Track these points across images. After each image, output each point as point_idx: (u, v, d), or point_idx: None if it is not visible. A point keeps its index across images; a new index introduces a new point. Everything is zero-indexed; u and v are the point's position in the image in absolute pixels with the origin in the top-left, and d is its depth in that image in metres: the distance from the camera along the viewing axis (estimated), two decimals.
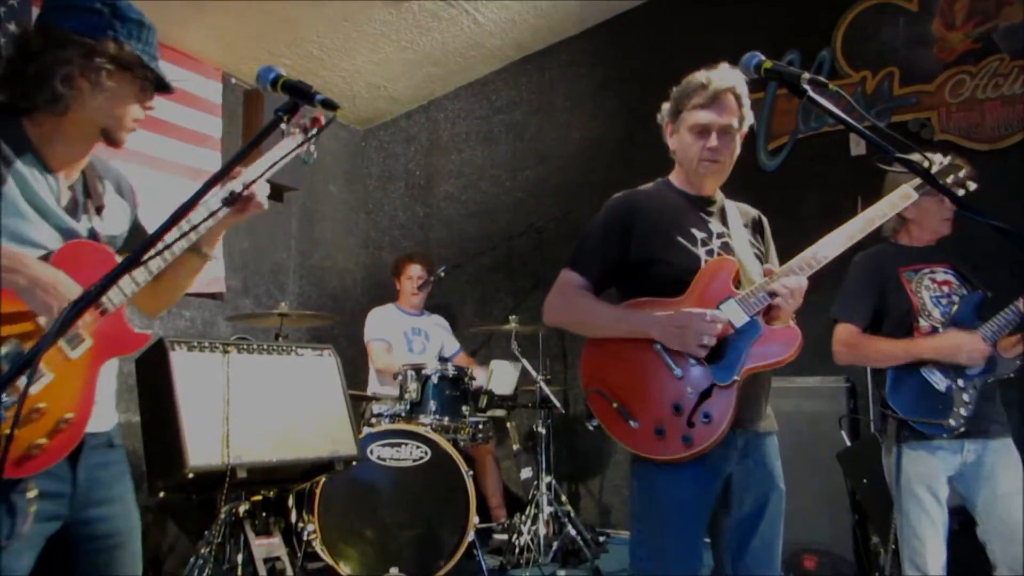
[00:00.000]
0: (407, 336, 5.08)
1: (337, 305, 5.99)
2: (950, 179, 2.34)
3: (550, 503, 4.39)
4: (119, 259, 1.73)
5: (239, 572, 3.55)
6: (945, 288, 2.83)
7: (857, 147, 4.96)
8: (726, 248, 2.17)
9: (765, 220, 2.38)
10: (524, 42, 5.85)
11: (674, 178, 2.31)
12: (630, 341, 2.09)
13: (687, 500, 2.04)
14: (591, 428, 2.10)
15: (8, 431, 1.27)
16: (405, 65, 5.74)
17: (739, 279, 2.13)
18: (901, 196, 2.17)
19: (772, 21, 5.21)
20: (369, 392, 4.78)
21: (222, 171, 1.50)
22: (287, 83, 1.52)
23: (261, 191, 1.88)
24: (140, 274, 1.67)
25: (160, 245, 1.31)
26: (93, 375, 1.65)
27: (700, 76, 2.18)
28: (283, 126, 1.89)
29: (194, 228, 1.58)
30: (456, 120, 6.30)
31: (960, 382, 2.68)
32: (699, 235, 2.17)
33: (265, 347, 3.27)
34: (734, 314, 2.07)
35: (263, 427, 3.09)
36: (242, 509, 3.38)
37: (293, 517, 3.92)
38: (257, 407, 3.10)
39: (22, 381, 1.29)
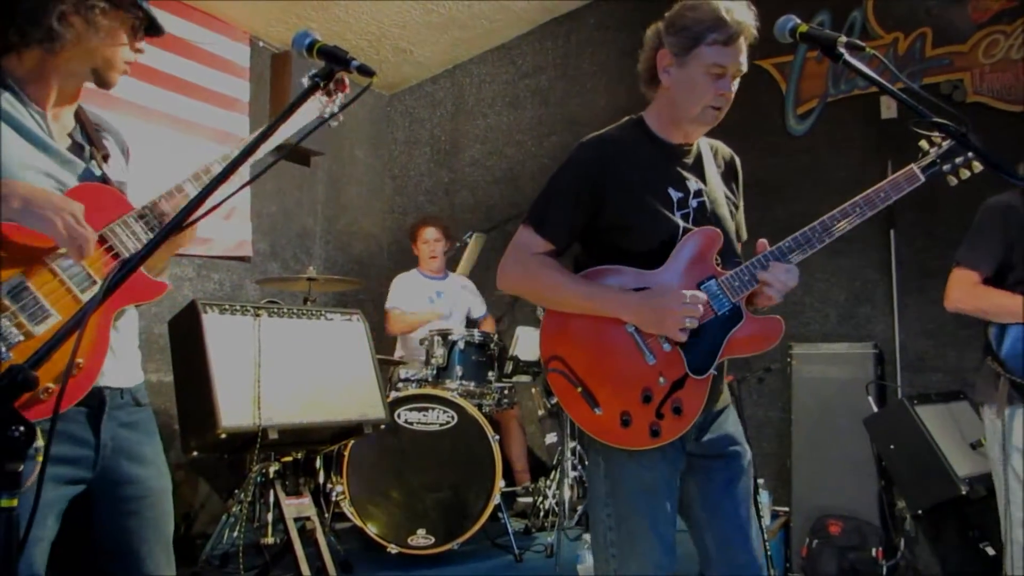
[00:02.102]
0: (431, 300, 5.10)
1: (363, 270, 6.03)
2: (956, 160, 2.04)
3: (574, 467, 4.42)
4: (134, 205, 1.70)
5: (269, 531, 3.64)
6: None
7: (888, 110, 4.88)
8: (703, 210, 1.98)
9: (738, 162, 2.17)
10: (551, 6, 5.78)
11: (651, 120, 2.03)
12: (599, 318, 1.89)
13: (656, 482, 1.90)
14: (548, 405, 2.01)
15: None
16: (431, 29, 5.70)
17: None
18: (906, 177, 1.97)
19: None
20: (396, 356, 4.82)
21: (262, 134, 1.47)
22: (323, 48, 1.50)
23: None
24: (155, 221, 1.66)
25: (204, 207, 1.30)
26: (106, 321, 1.59)
27: (718, 8, 1.89)
28: (306, 83, 1.94)
29: (237, 190, 1.54)
30: (482, 85, 6.27)
31: None
32: (676, 196, 1.96)
33: (295, 311, 3.32)
34: (716, 298, 1.91)
35: (293, 390, 3.13)
36: (272, 469, 3.44)
37: (321, 478, 3.99)
38: (287, 370, 3.15)
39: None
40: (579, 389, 1.88)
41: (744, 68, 1.93)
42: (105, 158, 1.72)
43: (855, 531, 4.19)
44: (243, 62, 5.15)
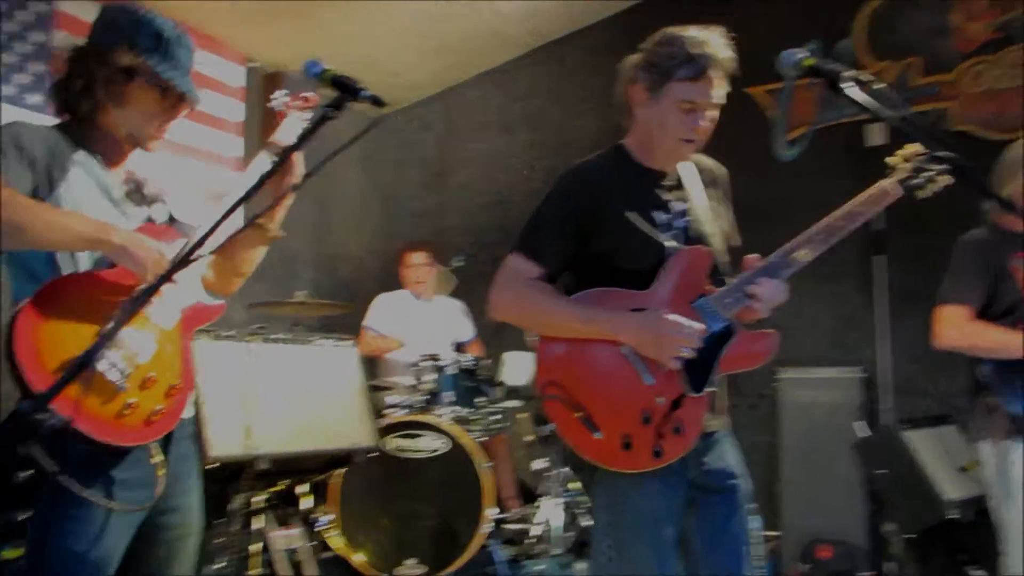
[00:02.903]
0: (409, 323, 5.05)
1: (350, 293, 6.00)
2: (927, 173, 2.02)
3: (564, 494, 4.40)
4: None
5: (254, 563, 3.58)
6: None
7: (874, 138, 4.94)
8: (691, 229, 2.01)
9: (725, 173, 2.18)
10: (543, 30, 5.83)
11: (632, 147, 2.06)
12: (594, 342, 1.90)
13: (658, 511, 1.90)
14: (545, 434, 2.02)
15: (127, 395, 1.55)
16: (423, 53, 5.73)
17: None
18: (880, 193, 1.98)
19: (793, 10, 5.18)
20: (382, 381, 4.80)
21: (277, 164, 1.64)
22: (334, 77, 1.57)
23: (298, 163, 2.00)
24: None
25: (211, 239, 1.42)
26: (187, 345, 1.78)
27: (686, 41, 1.91)
28: (277, 105, 2.12)
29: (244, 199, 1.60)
30: (473, 108, 6.30)
31: None
32: (661, 217, 1.99)
33: (286, 337, 3.30)
34: (710, 315, 1.93)
35: (284, 418, 3.10)
36: (257, 500, 3.40)
37: (302, 505, 3.95)
38: (278, 397, 3.12)
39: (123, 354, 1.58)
40: (578, 414, 1.87)
41: (718, 101, 1.95)
42: (151, 203, 1.90)
43: (845, 555, 4.20)
44: (238, 83, 5.15)
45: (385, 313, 5.06)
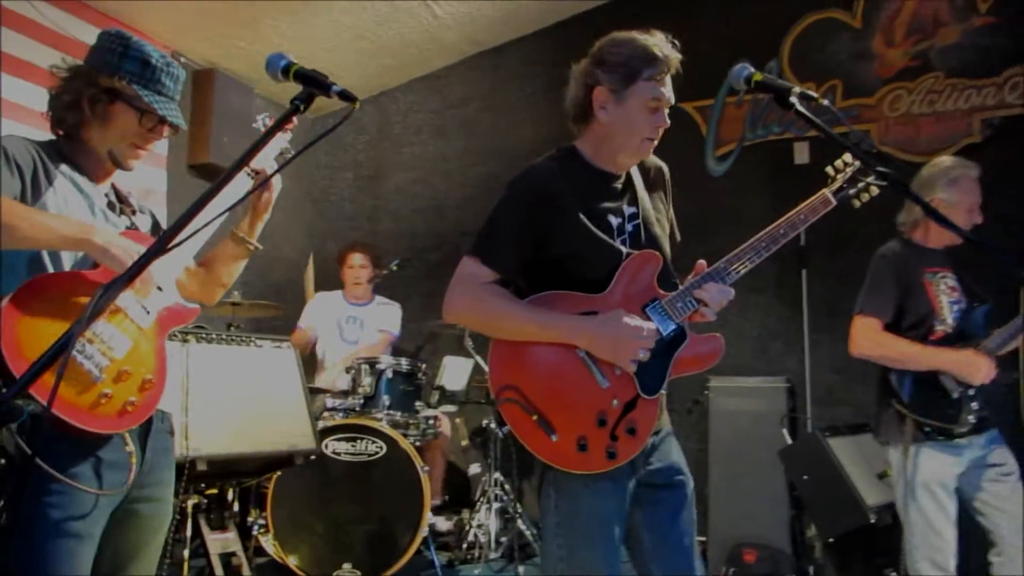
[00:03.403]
0: (340, 324, 5.03)
1: (281, 295, 5.89)
2: (860, 184, 2.14)
3: (499, 498, 4.42)
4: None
5: (185, 568, 3.48)
6: (955, 295, 2.97)
7: (801, 156, 5.14)
8: (639, 234, 2.03)
9: (666, 169, 2.20)
10: (480, 38, 5.86)
11: (586, 149, 2.06)
12: (550, 345, 1.90)
13: (608, 511, 1.92)
14: (501, 435, 2.02)
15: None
16: (359, 55, 5.68)
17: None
18: (821, 201, 2.06)
19: (723, 30, 5.35)
20: (316, 385, 4.73)
21: (242, 158, 1.52)
22: (301, 72, 1.52)
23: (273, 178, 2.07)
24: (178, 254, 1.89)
25: (187, 231, 1.38)
26: (162, 344, 1.87)
27: (649, 43, 1.95)
28: (260, 125, 2.17)
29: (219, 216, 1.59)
30: (408, 112, 6.28)
31: (970, 391, 2.85)
32: (615, 221, 2.01)
33: (225, 337, 3.21)
34: (661, 319, 1.96)
35: (222, 419, 3.03)
36: (191, 503, 3.31)
37: (235, 508, 3.86)
38: (216, 398, 3.04)
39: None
40: (534, 417, 1.87)
41: (672, 99, 2.00)
42: (133, 212, 2.00)
43: (769, 559, 4.32)
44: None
45: (321, 311, 5.00)
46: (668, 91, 1.98)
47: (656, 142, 2.02)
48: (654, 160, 2.16)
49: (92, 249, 1.71)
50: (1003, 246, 1.64)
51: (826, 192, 2.07)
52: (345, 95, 1.49)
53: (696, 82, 5.77)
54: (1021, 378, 3.05)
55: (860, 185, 2.09)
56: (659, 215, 2.12)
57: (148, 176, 4.88)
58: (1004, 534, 2.87)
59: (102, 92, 1.85)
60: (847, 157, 2.09)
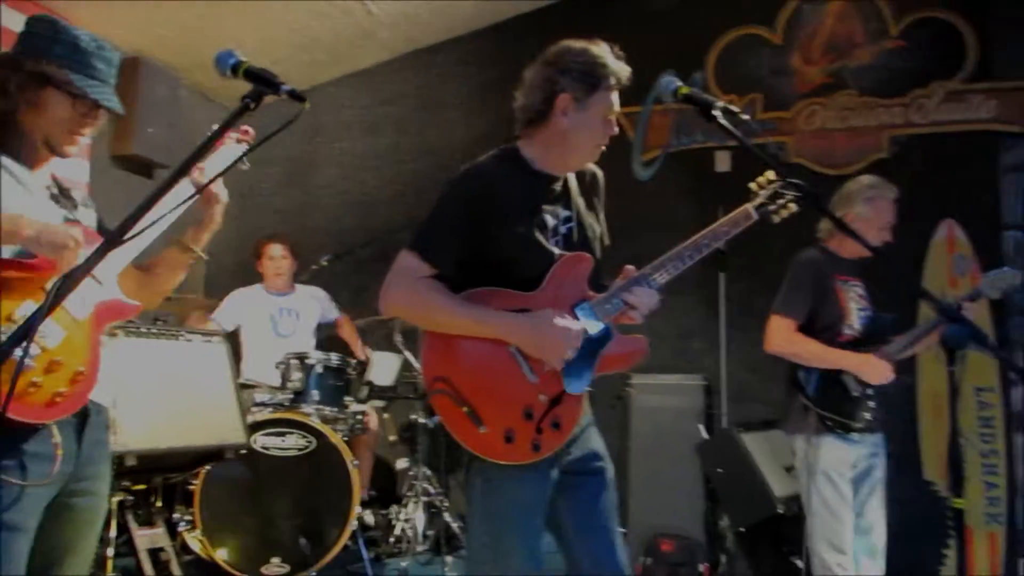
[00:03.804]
0: (273, 319, 4.97)
1: (207, 290, 5.82)
2: (780, 200, 2.23)
3: (426, 492, 4.49)
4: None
5: (109, 565, 3.44)
6: (863, 303, 3.22)
7: (722, 164, 5.36)
8: (572, 235, 2.12)
9: (601, 177, 2.28)
10: (415, 36, 5.90)
11: (529, 152, 2.13)
12: (482, 339, 1.98)
13: (532, 500, 2.01)
14: (430, 426, 2.09)
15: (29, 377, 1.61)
16: (292, 48, 5.64)
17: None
18: (744, 214, 2.16)
19: (653, 39, 5.49)
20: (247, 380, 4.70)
21: (190, 159, 1.53)
22: (250, 69, 1.52)
23: (217, 186, 2.01)
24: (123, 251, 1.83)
25: (137, 228, 1.38)
26: (97, 337, 1.83)
27: (604, 55, 2.06)
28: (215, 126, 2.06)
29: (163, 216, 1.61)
30: (340, 108, 6.26)
31: (868, 391, 3.11)
32: (550, 223, 2.09)
33: (154, 331, 3.20)
34: (589, 320, 2.04)
35: (151, 413, 3.02)
36: (115, 499, 3.27)
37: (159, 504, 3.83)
38: (146, 392, 3.03)
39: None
40: (464, 408, 1.94)
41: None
42: (75, 206, 1.94)
43: (684, 548, 4.50)
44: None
45: (242, 308, 4.94)
46: (618, 101, 2.10)
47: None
48: (590, 166, 2.24)
49: (23, 241, 1.70)
50: (905, 259, 1.81)
51: (749, 207, 2.18)
52: (295, 95, 1.50)
53: (624, 89, 5.92)
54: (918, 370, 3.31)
55: (780, 202, 2.20)
56: (591, 219, 2.22)
57: (71, 167, 4.75)
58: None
59: (31, 78, 1.81)
60: (770, 175, 2.21)
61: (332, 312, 5.21)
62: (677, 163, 5.49)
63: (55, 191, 1.93)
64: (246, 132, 2.02)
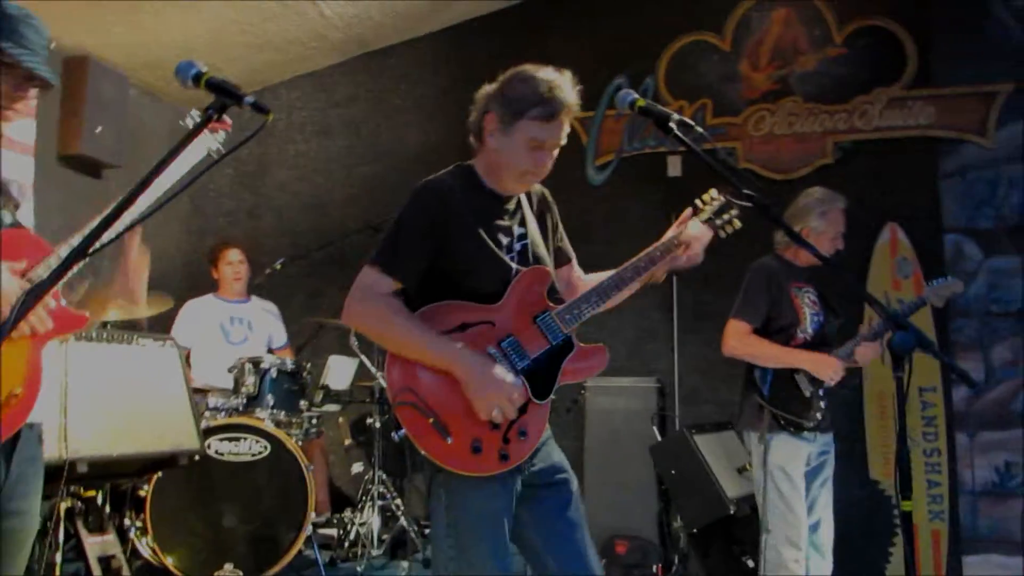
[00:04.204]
0: (224, 327, 4.89)
1: (156, 292, 5.70)
2: (725, 216, 2.34)
3: (381, 497, 4.47)
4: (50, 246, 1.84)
5: (57, 571, 3.37)
6: (815, 308, 3.35)
7: (673, 169, 5.44)
8: (526, 252, 2.15)
9: (548, 194, 2.32)
10: (367, 39, 5.87)
11: (480, 169, 2.17)
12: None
13: (498, 511, 2.00)
14: (396, 439, 1.97)
15: None
16: (244, 48, 5.57)
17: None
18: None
19: (605, 44, 5.58)
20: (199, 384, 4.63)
21: (154, 171, 1.52)
22: (211, 81, 1.50)
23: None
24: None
25: (104, 239, 1.35)
26: (37, 354, 1.75)
27: (542, 83, 2.03)
28: (189, 124, 2.01)
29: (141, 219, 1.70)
30: (292, 109, 6.20)
31: (819, 391, 3.24)
32: (504, 240, 2.11)
33: (105, 335, 3.14)
34: (551, 330, 2.08)
35: (103, 419, 2.97)
36: (64, 506, 3.21)
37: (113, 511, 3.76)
38: (97, 398, 2.97)
39: None
40: (431, 420, 1.94)
41: (562, 141, 2.09)
42: (16, 207, 1.86)
43: (638, 549, 4.57)
44: (44, 73, 4.76)
45: (196, 319, 4.85)
46: (554, 133, 2.06)
47: (538, 177, 2.13)
48: (537, 187, 2.27)
49: None
50: (850, 262, 1.87)
51: (695, 221, 2.29)
52: (258, 107, 1.49)
53: (578, 94, 5.99)
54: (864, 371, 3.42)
55: (725, 217, 2.31)
56: (544, 237, 2.25)
57: (15, 164, 4.64)
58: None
59: None
60: (713, 192, 2.31)
61: (281, 337, 5.11)
62: (630, 167, 5.57)
63: None
64: (224, 123, 1.96)
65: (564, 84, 2.06)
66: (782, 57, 5.38)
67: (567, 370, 2.10)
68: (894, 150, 5.10)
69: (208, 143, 1.98)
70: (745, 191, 2.00)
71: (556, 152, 2.11)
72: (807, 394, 3.24)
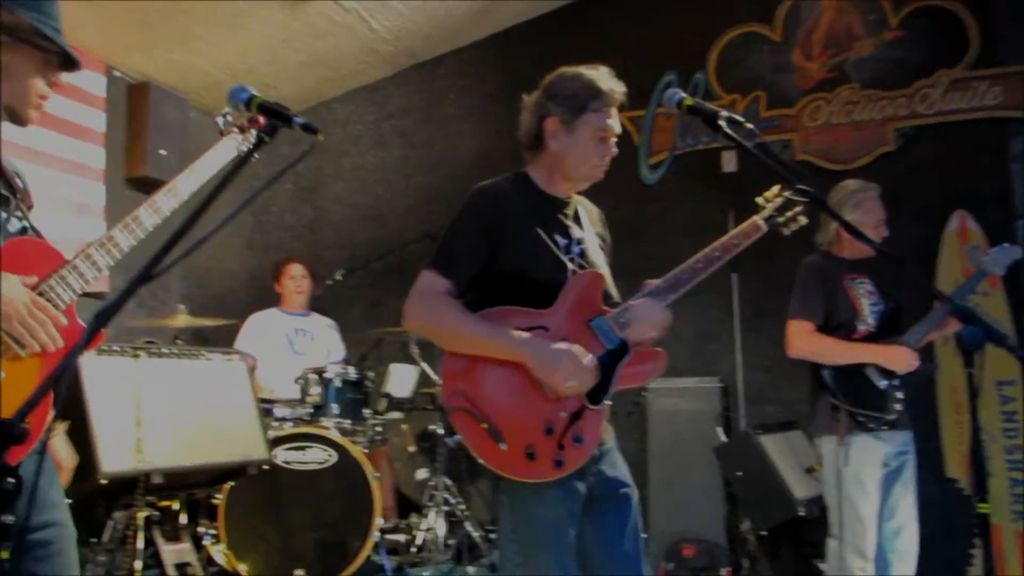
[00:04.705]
0: (289, 338, 5.03)
1: (221, 307, 5.86)
2: (788, 213, 2.28)
3: (446, 502, 4.51)
4: (63, 256, 1.72)
5: None
6: (873, 298, 3.23)
7: (728, 164, 5.36)
8: (584, 256, 2.15)
9: (603, 217, 2.35)
10: (416, 50, 5.95)
11: (535, 175, 2.19)
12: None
13: (560, 517, 1.99)
14: (452, 445, 2.04)
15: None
16: (297, 67, 5.71)
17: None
18: (753, 227, 2.23)
19: (653, 42, 5.55)
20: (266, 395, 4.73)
21: (214, 193, 1.53)
22: (263, 105, 1.53)
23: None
24: (89, 272, 1.70)
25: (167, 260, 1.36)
26: (47, 374, 1.57)
27: (596, 78, 2.11)
28: (221, 124, 2.03)
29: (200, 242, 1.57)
30: (347, 123, 6.31)
31: (894, 383, 3.11)
32: (562, 242, 2.12)
33: (175, 351, 3.25)
34: (606, 334, 2.06)
35: (175, 432, 3.06)
36: (142, 515, 3.31)
37: (189, 520, 3.87)
38: (169, 411, 3.07)
39: None
40: (484, 425, 1.94)
41: (619, 130, 2.15)
42: (30, 208, 1.73)
43: (706, 552, 4.51)
44: (99, 92, 4.96)
45: (261, 332, 4.98)
46: (614, 122, 2.13)
47: (606, 168, 2.16)
48: (593, 206, 2.31)
49: None
50: (916, 251, 1.81)
51: (757, 219, 2.24)
52: (308, 127, 1.52)
53: (627, 93, 5.95)
54: (935, 370, 3.31)
55: (788, 214, 2.27)
56: (600, 245, 2.26)
57: (86, 190, 4.84)
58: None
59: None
60: (776, 189, 2.27)
61: (339, 352, 5.20)
62: (683, 165, 5.51)
63: (3, 190, 1.70)
64: (256, 121, 1.96)
65: (608, 75, 2.14)
66: (836, 44, 5.27)
67: (624, 375, 2.06)
68: (959, 134, 4.93)
69: (239, 145, 1.99)
70: (799, 187, 1.97)
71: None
72: (882, 387, 3.11)
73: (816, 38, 5.32)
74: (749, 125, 1.96)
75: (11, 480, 1.10)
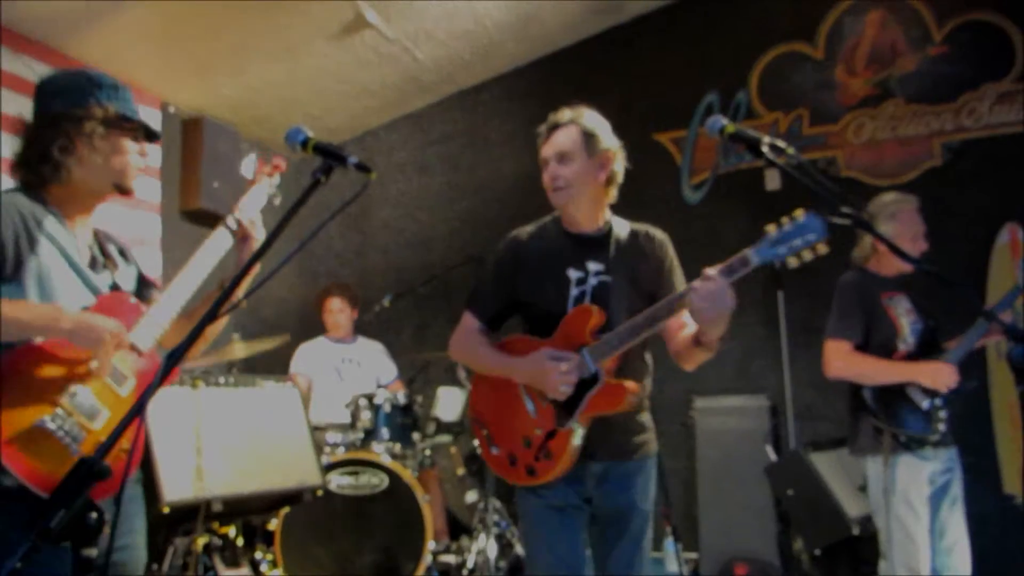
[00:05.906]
0: (337, 368, 5.14)
1: (271, 333, 5.98)
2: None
3: (496, 524, 4.54)
4: (144, 308, 1.93)
5: None
6: (912, 316, 3.21)
7: (771, 183, 5.35)
8: (602, 288, 2.31)
9: (667, 245, 2.44)
10: (458, 78, 6.06)
11: (562, 214, 2.43)
12: (501, 378, 2.35)
13: (548, 508, 2.28)
14: (479, 452, 2.29)
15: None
16: (343, 97, 5.85)
17: (601, 325, 2.26)
18: (741, 261, 2.17)
19: (693, 63, 5.58)
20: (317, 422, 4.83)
21: (275, 232, 1.62)
22: (318, 145, 1.68)
23: (255, 227, 2.15)
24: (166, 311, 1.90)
25: (235, 299, 1.46)
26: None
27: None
28: (247, 171, 2.21)
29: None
30: (392, 151, 6.44)
31: (938, 401, 3.06)
32: (575, 275, 2.33)
33: (231, 380, 3.34)
34: (585, 363, 2.22)
35: (233, 459, 3.15)
36: (201, 542, 3.41)
37: (247, 545, 3.96)
38: (226, 439, 3.17)
39: None
40: (485, 432, 2.40)
41: (562, 149, 2.33)
42: (116, 267, 1.99)
43: (759, 572, 4.47)
44: (155, 127, 5.12)
45: (311, 359, 5.12)
46: (547, 148, 2.38)
47: (561, 190, 2.34)
48: (657, 233, 2.45)
49: (60, 334, 1.72)
50: (965, 265, 1.80)
51: (747, 252, 2.16)
52: (360, 167, 1.66)
53: (669, 114, 6.03)
54: (979, 386, 3.24)
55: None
56: (633, 275, 2.34)
57: (142, 223, 5.00)
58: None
59: (98, 125, 1.86)
60: (786, 218, 2.11)
61: (390, 372, 5.31)
62: (726, 184, 5.51)
63: (96, 251, 1.96)
64: (277, 166, 2.19)
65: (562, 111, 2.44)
66: (880, 60, 5.24)
67: (592, 402, 2.23)
68: (1007, 147, 4.87)
69: (268, 190, 2.18)
70: (843, 210, 1.97)
71: (568, 159, 2.35)
72: (924, 406, 3.07)
73: (859, 55, 5.30)
74: (792, 150, 1.98)
75: (94, 515, 1.17)
